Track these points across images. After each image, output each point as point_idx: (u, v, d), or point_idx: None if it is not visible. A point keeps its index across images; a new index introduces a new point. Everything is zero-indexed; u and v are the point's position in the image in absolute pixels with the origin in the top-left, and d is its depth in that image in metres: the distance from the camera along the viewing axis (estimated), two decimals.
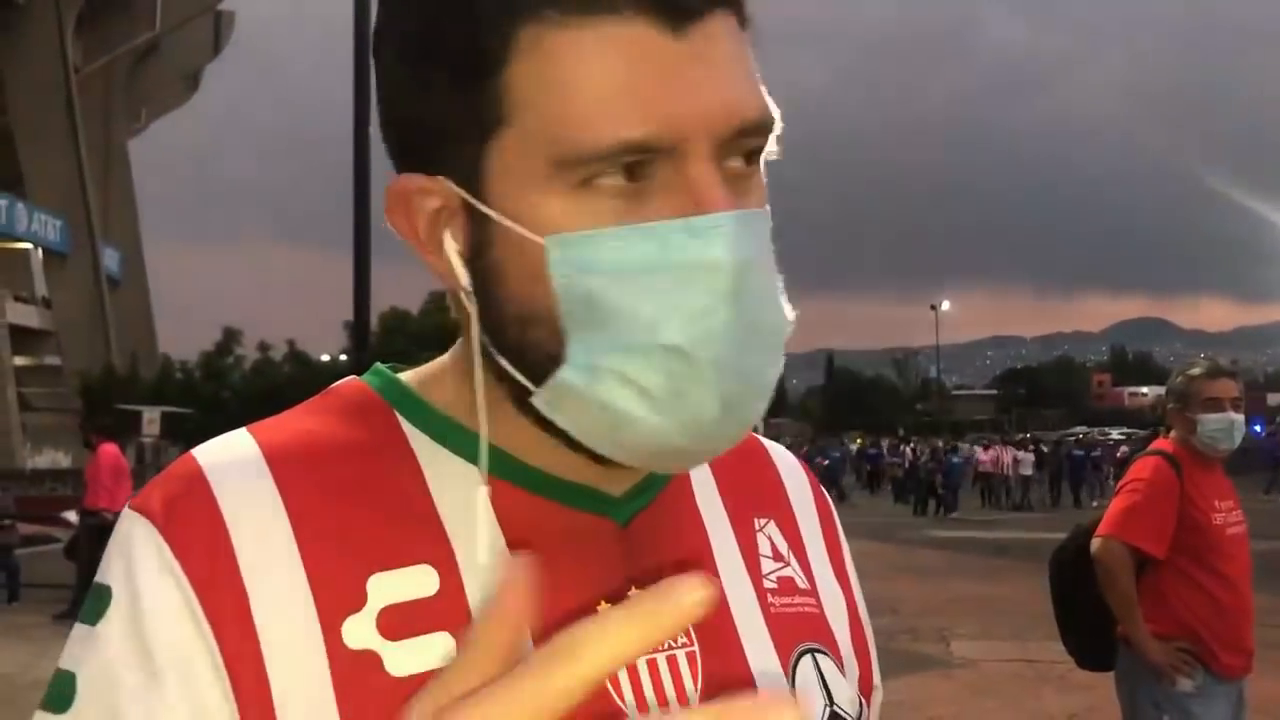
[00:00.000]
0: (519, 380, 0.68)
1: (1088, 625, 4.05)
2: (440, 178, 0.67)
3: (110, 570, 0.67)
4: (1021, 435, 45.31)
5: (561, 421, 0.68)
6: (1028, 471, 29.73)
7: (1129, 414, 78.51)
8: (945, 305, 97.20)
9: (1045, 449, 33.04)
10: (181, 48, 57.34)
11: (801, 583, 0.86)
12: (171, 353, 52.07)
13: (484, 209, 0.66)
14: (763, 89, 0.67)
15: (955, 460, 28.76)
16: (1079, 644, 4.21)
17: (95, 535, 11.00)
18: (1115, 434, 45.19)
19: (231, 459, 0.70)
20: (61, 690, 0.65)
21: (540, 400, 0.67)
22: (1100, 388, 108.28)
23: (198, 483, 0.68)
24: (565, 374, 0.65)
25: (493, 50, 0.63)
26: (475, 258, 0.67)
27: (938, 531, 21.14)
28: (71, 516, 11.73)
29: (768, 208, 0.69)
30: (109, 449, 11.48)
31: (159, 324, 56.52)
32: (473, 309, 0.68)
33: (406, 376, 0.79)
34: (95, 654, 0.65)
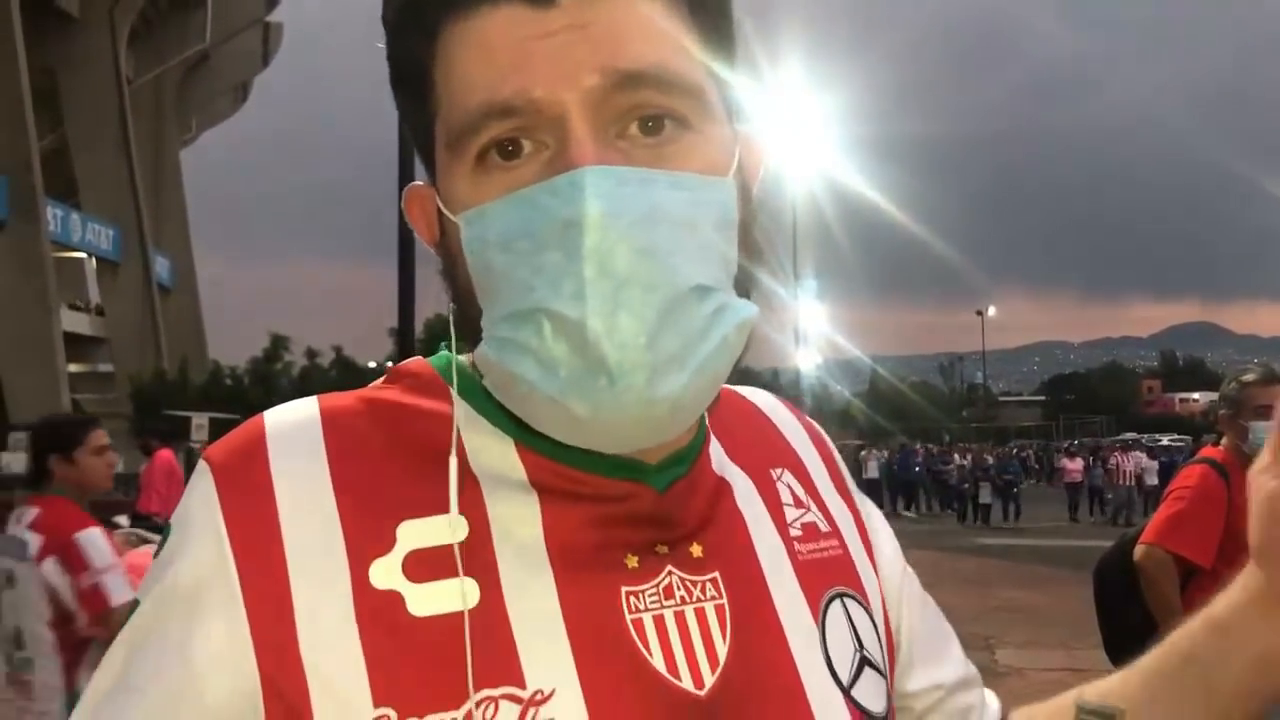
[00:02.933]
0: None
1: (1132, 637, 3.99)
2: (433, 186, 0.76)
3: (176, 510, 0.75)
4: (1069, 442, 44.38)
5: (504, 401, 0.72)
6: (1153, 481, 25.23)
7: (1180, 421, 77.17)
8: (992, 311, 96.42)
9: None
10: (231, 59, 58.18)
11: (823, 525, 0.88)
12: (221, 359, 52.64)
13: (437, 200, 0.74)
14: (673, 45, 0.68)
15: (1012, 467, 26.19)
16: (1124, 657, 4.14)
17: None
18: (1165, 441, 44.39)
19: (292, 419, 0.76)
20: (131, 610, 0.74)
21: (488, 383, 0.73)
22: (1150, 394, 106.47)
23: (257, 437, 0.75)
24: (482, 349, 0.70)
25: (422, 62, 0.71)
26: (441, 248, 0.76)
27: (984, 539, 20.90)
28: (124, 521, 11.89)
29: (692, 175, 0.68)
30: (163, 454, 11.68)
31: (208, 331, 57.33)
32: (445, 288, 0.77)
33: (465, 359, 0.83)
34: (150, 580, 0.73)
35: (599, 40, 0.66)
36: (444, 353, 0.84)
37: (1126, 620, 3.97)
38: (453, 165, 0.70)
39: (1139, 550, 3.83)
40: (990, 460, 27.40)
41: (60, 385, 38.59)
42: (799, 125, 27.73)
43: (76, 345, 45.37)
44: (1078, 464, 27.44)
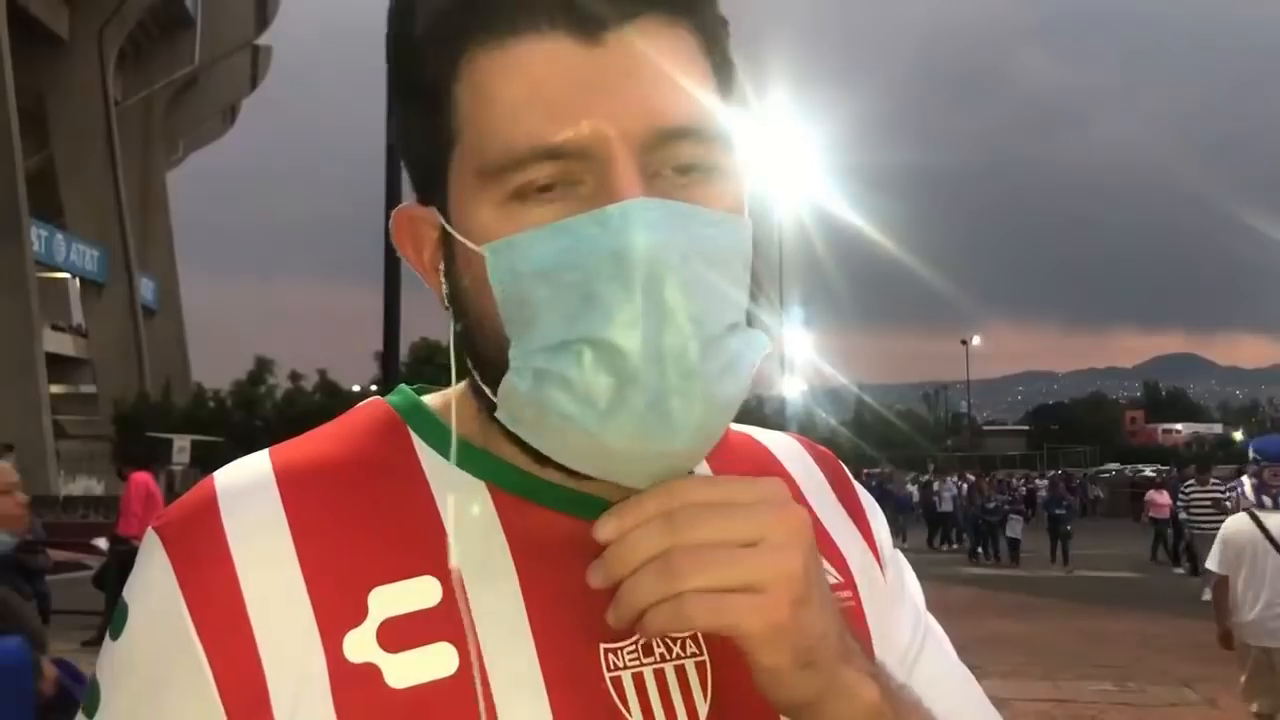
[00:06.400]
0: (488, 396, 0.71)
1: None
2: (431, 207, 0.72)
3: (129, 586, 0.72)
4: (1054, 472, 44.34)
5: (523, 434, 0.69)
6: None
7: (1163, 451, 77.55)
8: (976, 340, 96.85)
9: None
10: (220, 82, 58.28)
11: (833, 577, 0.83)
12: (205, 382, 52.42)
13: (446, 225, 0.70)
14: (706, 94, 0.68)
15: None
16: None
17: (124, 563, 11.08)
18: (1149, 471, 44.51)
19: (245, 481, 0.73)
20: (93, 696, 0.72)
21: (502, 414, 0.69)
22: (1133, 424, 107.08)
23: (209, 505, 0.71)
24: (509, 380, 0.67)
25: (440, 78, 0.67)
26: (448, 275, 0.71)
27: (970, 569, 20.86)
28: (102, 544, 11.79)
29: (724, 213, 0.68)
30: (140, 477, 11.57)
31: (192, 353, 57.10)
32: (450, 322, 0.72)
33: (429, 399, 0.81)
34: (114, 665, 0.71)
35: (646, 87, 0.65)
36: (405, 390, 0.81)
37: None
38: (481, 193, 0.67)
39: None
40: (1022, 489, 23.97)
41: (42, 406, 38.31)
42: (786, 152, 27.86)
43: (59, 366, 45.13)
44: (1165, 497, 20.97)
